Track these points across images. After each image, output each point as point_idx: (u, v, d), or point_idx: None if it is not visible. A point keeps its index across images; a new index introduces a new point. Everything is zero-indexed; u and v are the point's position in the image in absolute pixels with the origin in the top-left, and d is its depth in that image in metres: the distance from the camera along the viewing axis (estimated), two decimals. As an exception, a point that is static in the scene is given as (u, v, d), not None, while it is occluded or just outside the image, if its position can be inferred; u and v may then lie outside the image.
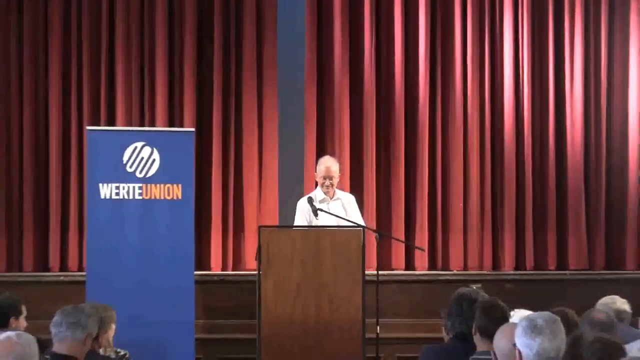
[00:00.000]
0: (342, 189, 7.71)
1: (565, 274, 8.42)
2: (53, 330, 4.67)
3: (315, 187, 7.56)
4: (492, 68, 8.78)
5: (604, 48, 8.81)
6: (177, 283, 7.53)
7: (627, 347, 3.88)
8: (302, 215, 7.29)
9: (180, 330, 7.52)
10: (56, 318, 4.70)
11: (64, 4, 8.51)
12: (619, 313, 5.92)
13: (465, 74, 8.74)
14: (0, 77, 8.48)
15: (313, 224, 7.16)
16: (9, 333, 3.84)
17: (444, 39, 8.77)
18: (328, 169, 7.36)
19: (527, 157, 8.72)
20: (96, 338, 5.24)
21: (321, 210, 7.20)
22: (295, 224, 7.34)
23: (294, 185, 8.46)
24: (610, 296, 5.99)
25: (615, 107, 8.81)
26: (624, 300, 5.99)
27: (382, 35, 8.75)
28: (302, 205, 7.33)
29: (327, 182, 7.33)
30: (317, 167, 7.48)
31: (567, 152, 8.74)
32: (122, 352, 5.76)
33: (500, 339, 4.05)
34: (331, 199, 7.37)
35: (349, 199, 7.51)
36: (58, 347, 4.57)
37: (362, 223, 7.31)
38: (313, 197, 7.30)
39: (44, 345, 4.38)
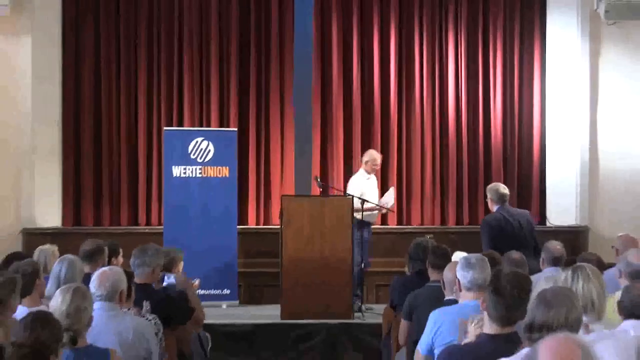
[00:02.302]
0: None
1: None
2: (132, 267, 4.59)
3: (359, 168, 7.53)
4: (442, 91, 8.59)
5: (517, 78, 8.65)
6: (225, 234, 7.49)
7: (534, 278, 3.79)
8: (357, 183, 7.29)
9: (227, 266, 7.50)
10: (132, 258, 4.61)
11: (148, 38, 8.42)
12: (502, 195, 6.27)
13: (423, 95, 8.57)
14: (105, 94, 8.38)
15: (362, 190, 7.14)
16: (104, 268, 3.86)
17: (407, 72, 8.60)
18: (378, 159, 7.44)
19: (464, 149, 8.57)
20: (170, 270, 5.19)
21: (325, 184, 7.28)
22: (352, 188, 7.21)
23: (304, 168, 8.40)
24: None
25: (524, 117, 8.65)
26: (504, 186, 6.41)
27: (365, 72, 8.56)
28: (356, 178, 7.37)
29: (377, 167, 7.47)
30: (370, 156, 7.41)
31: (492, 147, 8.58)
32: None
33: (447, 272, 4.09)
34: (370, 176, 7.42)
35: (375, 179, 7.57)
36: (137, 279, 4.45)
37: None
38: (360, 175, 7.35)
39: (131, 275, 4.31)
